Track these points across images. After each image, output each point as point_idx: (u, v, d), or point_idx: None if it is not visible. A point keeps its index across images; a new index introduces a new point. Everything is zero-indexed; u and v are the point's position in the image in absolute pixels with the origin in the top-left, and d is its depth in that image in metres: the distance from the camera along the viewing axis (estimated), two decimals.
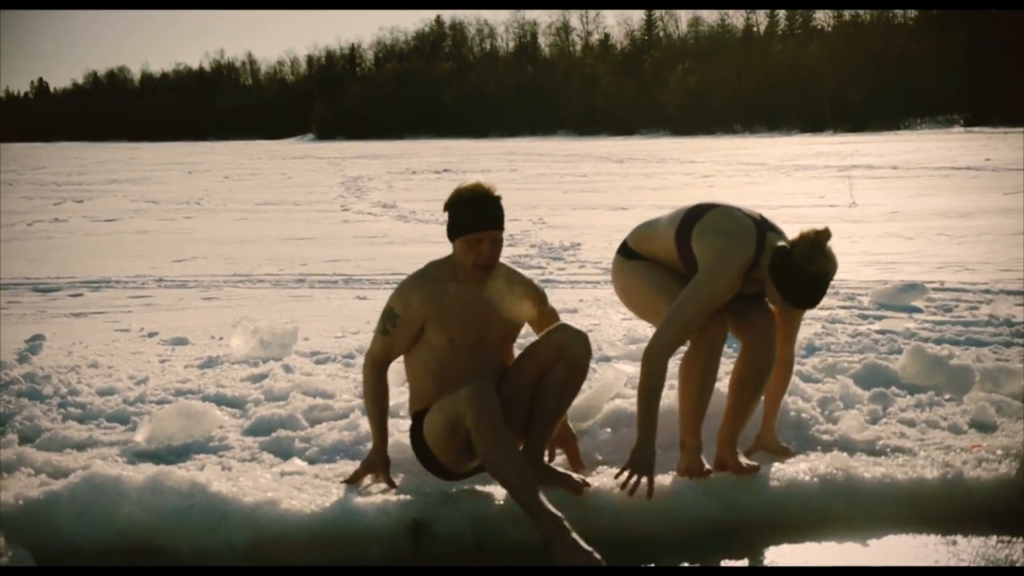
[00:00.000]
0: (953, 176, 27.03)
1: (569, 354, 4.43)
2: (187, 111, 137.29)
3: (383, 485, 4.51)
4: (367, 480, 4.55)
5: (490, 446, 4.10)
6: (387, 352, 4.50)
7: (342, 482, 4.54)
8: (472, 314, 4.42)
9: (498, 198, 4.40)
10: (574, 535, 3.95)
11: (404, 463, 4.68)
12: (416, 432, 4.46)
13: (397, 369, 4.80)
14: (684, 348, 4.68)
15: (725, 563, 4.13)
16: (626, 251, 4.87)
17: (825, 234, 4.43)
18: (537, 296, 4.62)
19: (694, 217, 4.62)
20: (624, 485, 4.35)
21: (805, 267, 4.39)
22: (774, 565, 4.13)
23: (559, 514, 4.01)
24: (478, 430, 4.11)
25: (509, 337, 4.60)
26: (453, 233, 4.41)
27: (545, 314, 4.66)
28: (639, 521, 4.31)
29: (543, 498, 4.06)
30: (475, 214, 4.36)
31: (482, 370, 4.44)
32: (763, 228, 4.56)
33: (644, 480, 4.34)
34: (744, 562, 4.14)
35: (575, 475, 4.47)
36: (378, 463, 4.53)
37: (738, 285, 4.51)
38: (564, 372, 4.44)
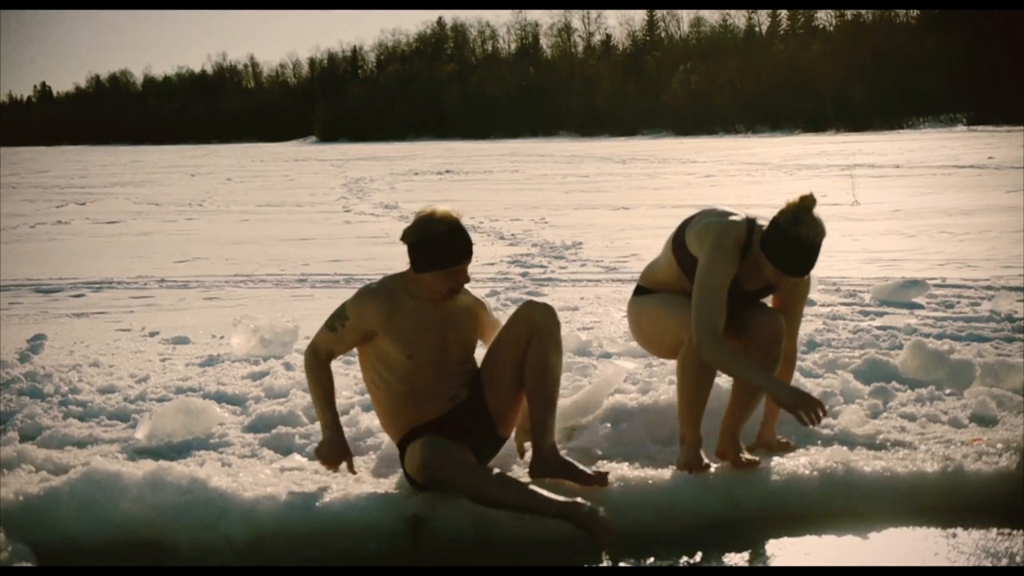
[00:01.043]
0: (956, 174, 27.02)
1: (539, 327, 4.42)
2: (190, 114, 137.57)
3: (388, 479, 4.49)
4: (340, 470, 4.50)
5: (475, 489, 4.13)
6: (329, 347, 4.48)
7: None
8: (429, 331, 4.41)
9: (463, 226, 4.40)
10: (590, 509, 4.06)
11: None
12: (403, 462, 4.41)
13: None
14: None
15: (725, 557, 4.12)
16: (637, 290, 4.96)
17: (809, 199, 4.46)
18: (485, 308, 4.67)
19: (685, 225, 4.74)
20: (810, 422, 4.37)
21: (790, 230, 4.40)
22: (774, 558, 4.12)
23: (566, 498, 4.10)
24: (455, 483, 4.14)
25: (470, 350, 4.58)
26: (430, 266, 4.35)
27: (490, 323, 4.67)
28: (638, 515, 4.30)
29: (544, 492, 4.12)
30: (453, 247, 4.35)
31: (447, 383, 4.44)
32: (751, 218, 4.63)
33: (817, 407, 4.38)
34: (744, 555, 4.14)
35: (589, 470, 4.41)
36: (329, 446, 4.44)
37: (737, 262, 4.54)
38: (541, 347, 4.43)
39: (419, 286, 4.42)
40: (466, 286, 4.52)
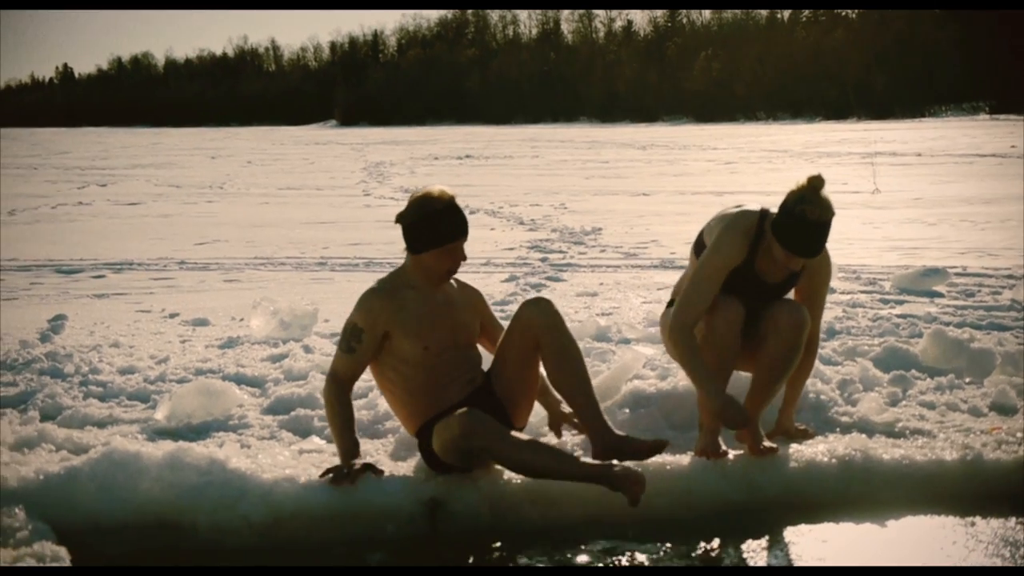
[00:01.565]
0: (977, 163, 26.86)
1: (543, 329, 4.42)
2: (210, 97, 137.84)
3: (407, 462, 4.50)
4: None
5: (510, 454, 4.14)
6: (351, 370, 4.41)
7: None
8: (438, 316, 4.42)
9: (458, 204, 4.42)
10: (620, 468, 4.11)
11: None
12: (425, 447, 4.39)
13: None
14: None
15: (742, 544, 4.12)
16: (668, 304, 5.01)
17: (817, 179, 4.46)
18: (481, 296, 4.68)
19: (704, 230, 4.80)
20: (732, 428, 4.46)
21: (796, 209, 4.40)
22: (791, 545, 4.11)
23: (597, 461, 4.20)
24: (491, 449, 4.14)
25: (475, 333, 4.60)
26: (432, 244, 4.36)
27: (488, 315, 4.68)
28: (656, 501, 4.28)
29: (577, 457, 4.22)
30: (452, 223, 4.36)
31: (464, 366, 4.46)
32: (765, 209, 4.66)
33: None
34: (762, 542, 4.13)
35: (648, 440, 4.40)
36: (343, 472, 4.21)
37: (743, 251, 4.55)
38: (554, 344, 4.43)
39: (418, 271, 4.43)
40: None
